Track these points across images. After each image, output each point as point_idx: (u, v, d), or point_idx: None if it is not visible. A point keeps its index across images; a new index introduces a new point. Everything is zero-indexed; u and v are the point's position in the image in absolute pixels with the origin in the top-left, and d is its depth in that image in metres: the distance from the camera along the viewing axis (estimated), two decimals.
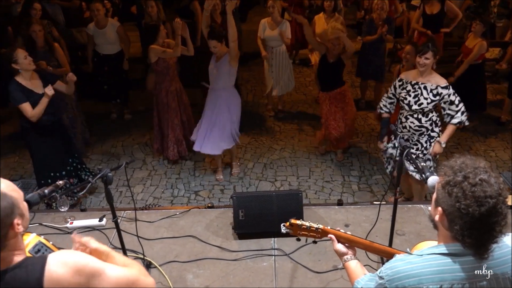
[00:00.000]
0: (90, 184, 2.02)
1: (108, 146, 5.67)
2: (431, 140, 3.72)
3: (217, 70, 4.42)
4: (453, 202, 1.33)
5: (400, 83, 3.73)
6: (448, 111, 3.58)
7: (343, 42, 4.60)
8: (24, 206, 1.37)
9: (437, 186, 1.42)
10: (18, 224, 1.31)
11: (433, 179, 1.91)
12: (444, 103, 3.56)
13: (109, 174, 2.10)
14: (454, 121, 3.56)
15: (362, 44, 6.29)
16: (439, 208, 1.39)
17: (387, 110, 3.93)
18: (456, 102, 3.54)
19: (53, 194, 1.81)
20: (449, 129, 3.62)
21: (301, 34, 7.12)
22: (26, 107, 3.68)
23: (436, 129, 3.71)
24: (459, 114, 3.55)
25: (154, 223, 3.41)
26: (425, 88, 3.57)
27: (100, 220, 3.34)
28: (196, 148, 4.70)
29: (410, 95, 3.63)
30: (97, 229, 3.32)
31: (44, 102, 3.74)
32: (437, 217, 1.41)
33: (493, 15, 7.58)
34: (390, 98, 3.87)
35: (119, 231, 2.52)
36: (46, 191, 1.80)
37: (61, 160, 4.23)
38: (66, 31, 6.46)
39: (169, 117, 4.97)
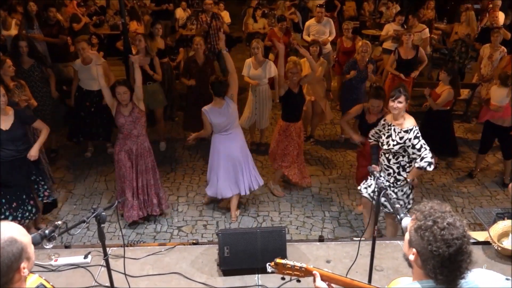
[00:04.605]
0: (85, 223, 2.09)
1: (91, 181, 5.68)
2: (397, 183, 3.87)
3: (225, 116, 4.51)
4: (426, 244, 1.50)
5: (383, 122, 3.93)
6: (413, 156, 3.71)
7: (300, 70, 4.93)
8: (32, 249, 1.44)
9: (410, 229, 1.59)
10: (24, 268, 1.38)
11: (406, 221, 2.07)
12: (407, 147, 3.68)
13: (102, 213, 2.18)
14: (417, 165, 3.66)
15: (341, 84, 6.60)
16: (413, 250, 1.56)
17: (375, 139, 4.08)
18: (418, 146, 3.63)
19: (53, 234, 1.88)
20: (413, 171, 3.75)
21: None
22: None
23: (403, 174, 3.83)
24: (419, 160, 3.63)
25: (139, 260, 3.44)
26: (394, 130, 3.76)
27: (85, 257, 3.34)
28: (243, 192, 4.84)
29: (384, 135, 3.86)
30: (82, 267, 3.33)
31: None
32: (411, 257, 1.58)
33: (462, 60, 8.02)
34: (377, 133, 4.05)
35: (109, 270, 2.55)
36: (46, 231, 1.87)
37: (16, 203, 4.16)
38: (53, 66, 6.57)
39: (125, 175, 4.56)
